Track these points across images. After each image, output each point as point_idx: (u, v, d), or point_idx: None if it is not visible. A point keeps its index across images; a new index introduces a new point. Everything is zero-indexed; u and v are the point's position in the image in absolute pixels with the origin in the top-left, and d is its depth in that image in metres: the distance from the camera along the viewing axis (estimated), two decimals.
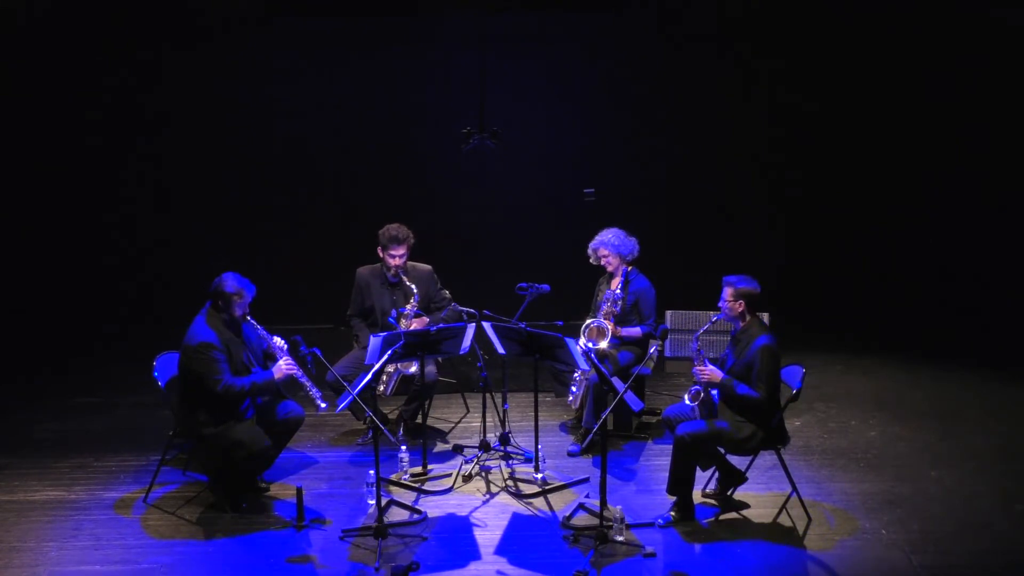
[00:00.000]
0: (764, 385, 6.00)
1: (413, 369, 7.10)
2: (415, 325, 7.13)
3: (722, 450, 6.27)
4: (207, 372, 6.09)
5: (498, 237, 9.78)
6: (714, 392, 6.20)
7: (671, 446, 6.21)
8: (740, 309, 6.16)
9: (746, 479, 6.32)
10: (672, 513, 6.19)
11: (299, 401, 6.63)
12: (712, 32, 9.65)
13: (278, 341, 6.40)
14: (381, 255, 7.26)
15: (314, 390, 6.29)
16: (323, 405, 6.28)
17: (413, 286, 7.19)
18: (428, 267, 7.42)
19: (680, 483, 6.19)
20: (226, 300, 6.21)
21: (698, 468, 6.27)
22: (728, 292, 6.18)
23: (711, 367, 6.15)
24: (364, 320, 7.38)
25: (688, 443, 6.09)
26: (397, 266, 7.20)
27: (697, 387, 6.19)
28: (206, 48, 9.47)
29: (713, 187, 9.95)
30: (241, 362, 6.27)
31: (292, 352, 6.28)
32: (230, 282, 6.22)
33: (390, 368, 7.06)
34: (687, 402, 6.22)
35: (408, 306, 7.20)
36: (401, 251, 7.18)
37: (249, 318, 6.32)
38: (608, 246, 7.18)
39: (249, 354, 6.34)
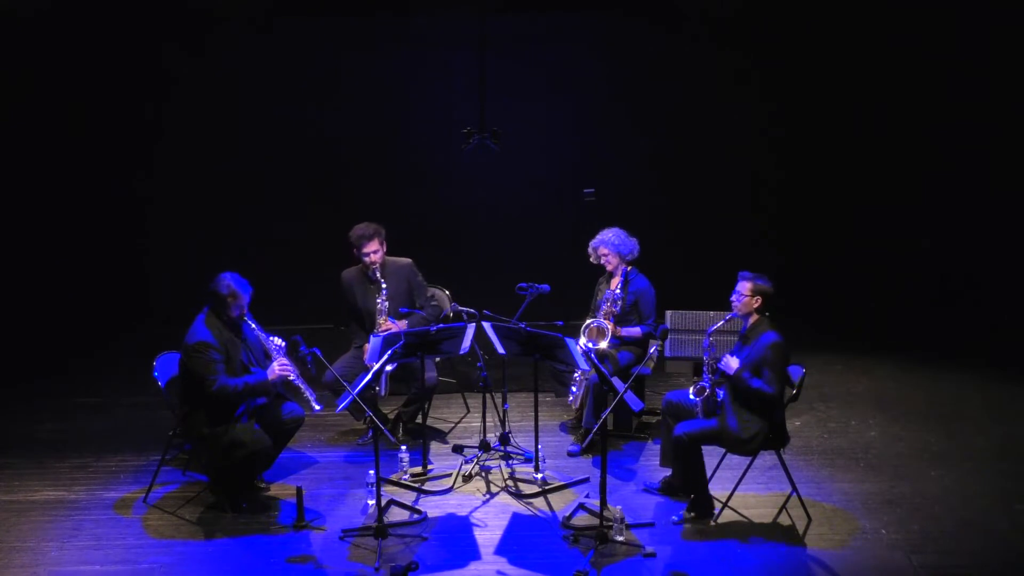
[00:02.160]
0: (776, 380, 6.00)
1: (389, 369, 7.07)
2: (391, 327, 7.10)
3: (723, 450, 6.29)
4: (203, 371, 6.09)
5: (498, 237, 9.78)
6: (719, 391, 6.20)
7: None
8: (756, 305, 6.15)
9: (713, 513, 6.24)
10: (686, 513, 6.19)
11: (300, 402, 6.63)
12: (712, 32, 9.65)
13: (276, 341, 6.39)
14: (358, 256, 7.25)
15: (309, 391, 6.28)
16: (317, 407, 6.27)
17: (383, 281, 7.16)
18: (408, 260, 7.39)
19: (692, 482, 6.19)
20: (221, 301, 6.21)
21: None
22: (746, 287, 6.16)
23: (729, 356, 6.14)
24: (357, 321, 7.36)
25: (686, 443, 6.09)
26: (375, 262, 7.19)
27: (703, 383, 6.19)
28: (206, 48, 9.46)
29: (713, 187, 9.94)
30: (240, 362, 6.26)
31: (291, 352, 6.28)
32: (224, 283, 6.22)
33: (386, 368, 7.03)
34: (691, 396, 6.22)
35: (379, 300, 7.16)
36: (374, 247, 7.16)
37: (248, 318, 6.32)
38: (608, 245, 7.18)
39: (248, 354, 6.34)
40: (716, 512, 6.24)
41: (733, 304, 6.24)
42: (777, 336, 6.07)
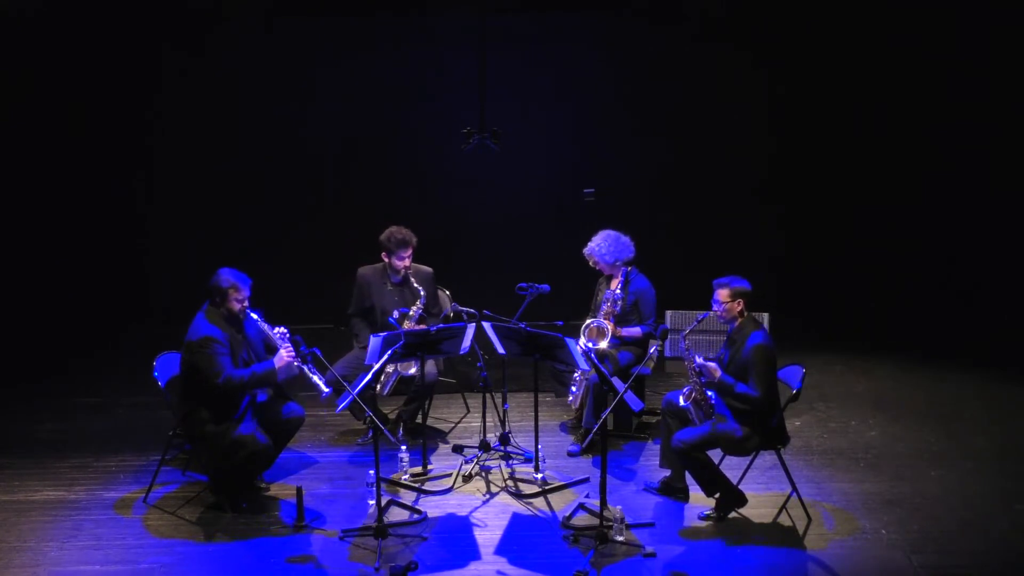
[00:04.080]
0: (761, 384, 6.00)
1: (412, 371, 7.10)
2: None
3: (721, 451, 6.28)
4: (208, 366, 6.09)
5: (498, 237, 9.77)
6: (710, 393, 6.20)
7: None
8: (739, 308, 6.17)
9: (746, 501, 6.26)
10: (716, 513, 6.20)
11: (300, 401, 6.63)
12: (713, 32, 9.64)
13: (279, 330, 6.35)
14: (387, 259, 7.26)
15: (316, 375, 6.23)
16: (327, 390, 6.21)
17: (421, 288, 7.20)
18: (429, 269, 7.43)
19: (709, 484, 6.19)
20: (222, 295, 6.21)
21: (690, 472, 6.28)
22: (724, 293, 6.17)
23: (711, 364, 6.15)
24: (364, 320, 7.38)
25: (686, 452, 6.09)
26: (406, 268, 7.21)
27: (689, 387, 6.18)
28: (206, 48, 9.46)
29: (713, 187, 9.94)
30: (242, 357, 6.26)
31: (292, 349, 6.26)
32: (224, 276, 6.23)
33: (388, 369, 7.06)
34: (681, 402, 6.22)
35: (413, 308, 7.19)
36: (409, 253, 7.21)
37: (249, 311, 6.31)
38: (596, 255, 7.19)
39: (250, 350, 6.33)
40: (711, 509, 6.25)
41: (717, 314, 6.24)
42: (762, 338, 6.07)
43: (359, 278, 7.41)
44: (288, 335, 6.30)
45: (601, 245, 7.18)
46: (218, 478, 6.37)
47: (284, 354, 6.23)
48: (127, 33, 9.35)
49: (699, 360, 6.15)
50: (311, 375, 6.22)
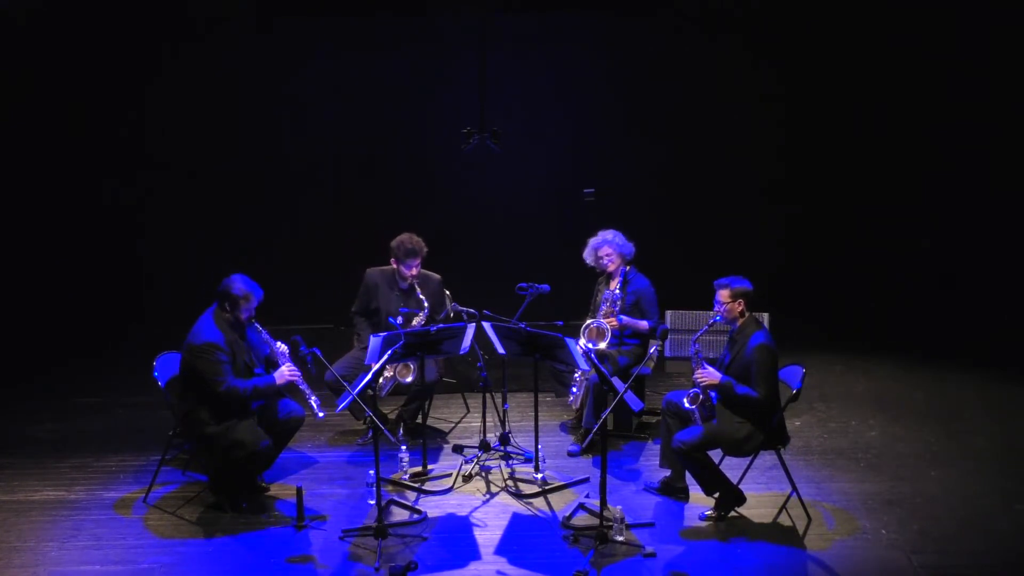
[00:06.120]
0: (763, 384, 6.00)
1: (409, 379, 7.09)
2: None
3: (722, 452, 6.28)
4: (210, 372, 6.09)
5: (498, 237, 9.78)
6: (713, 394, 6.20)
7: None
8: (740, 308, 6.17)
9: (745, 500, 6.27)
10: (715, 512, 6.19)
11: (299, 402, 6.63)
12: (713, 31, 9.65)
13: (281, 347, 6.39)
14: (396, 266, 7.25)
15: (313, 397, 6.27)
16: (321, 414, 6.24)
17: (425, 300, 7.18)
18: (438, 276, 7.41)
19: (709, 482, 6.19)
20: (233, 302, 6.21)
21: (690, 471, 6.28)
22: (724, 294, 6.18)
23: (709, 369, 6.15)
24: (367, 320, 7.37)
25: (686, 452, 6.10)
26: (413, 277, 7.21)
27: (696, 390, 6.18)
28: (207, 48, 9.46)
29: (713, 187, 9.94)
30: (244, 364, 6.26)
31: (292, 352, 6.27)
32: (238, 285, 6.22)
33: (387, 373, 7.05)
34: (686, 405, 6.22)
35: (416, 319, 7.17)
36: (417, 263, 7.20)
37: (255, 322, 6.31)
38: (612, 245, 7.19)
39: (252, 357, 6.34)
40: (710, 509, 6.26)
41: (719, 313, 6.24)
42: (764, 338, 6.08)
43: (367, 278, 7.40)
44: (288, 355, 6.31)
45: (615, 237, 7.19)
46: (218, 478, 6.37)
47: (286, 371, 6.25)
48: (127, 33, 9.35)
49: (704, 366, 6.15)
50: (308, 396, 6.23)
